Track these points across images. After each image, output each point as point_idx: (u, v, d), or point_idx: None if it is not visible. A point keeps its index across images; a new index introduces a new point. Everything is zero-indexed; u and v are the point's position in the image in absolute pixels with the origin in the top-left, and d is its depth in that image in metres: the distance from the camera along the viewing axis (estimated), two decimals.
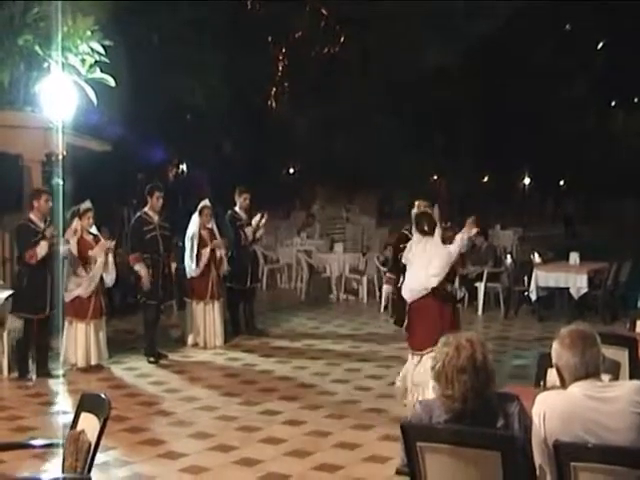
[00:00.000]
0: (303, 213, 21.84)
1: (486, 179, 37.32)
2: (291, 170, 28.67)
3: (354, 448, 6.90)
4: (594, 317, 12.79)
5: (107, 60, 11.03)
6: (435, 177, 34.23)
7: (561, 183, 38.51)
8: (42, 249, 8.99)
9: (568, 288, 12.72)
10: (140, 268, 10.25)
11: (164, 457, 6.71)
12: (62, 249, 9.46)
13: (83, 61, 10.86)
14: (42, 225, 9.16)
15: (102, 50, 10.96)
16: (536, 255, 13.99)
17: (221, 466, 6.48)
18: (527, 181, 39.16)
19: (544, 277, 12.87)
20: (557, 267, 13.38)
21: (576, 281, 12.61)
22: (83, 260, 9.61)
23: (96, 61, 10.96)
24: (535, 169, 35.76)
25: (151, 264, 10.31)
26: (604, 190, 35.38)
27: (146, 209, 10.58)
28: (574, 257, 13.33)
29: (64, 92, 10.58)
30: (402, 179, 27.46)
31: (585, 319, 12.77)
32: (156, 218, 10.53)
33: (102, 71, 10.98)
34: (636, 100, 37.94)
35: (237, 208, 11.93)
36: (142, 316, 10.68)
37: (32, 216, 9.21)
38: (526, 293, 13.32)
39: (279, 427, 7.52)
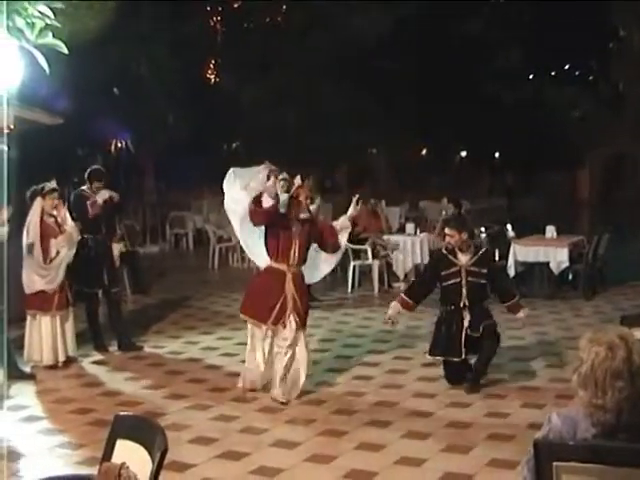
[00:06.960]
0: None
1: (424, 152, 36.92)
2: (234, 145, 27.62)
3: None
4: (573, 292, 12.50)
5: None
6: (374, 150, 33.52)
7: (496, 155, 38.34)
8: None
9: (548, 263, 12.25)
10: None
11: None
12: (25, 240, 8.49)
13: (32, 25, 9.79)
14: None
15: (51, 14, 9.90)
16: (509, 228, 13.46)
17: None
18: (464, 154, 38.85)
19: (523, 252, 12.34)
20: (536, 241, 12.76)
21: (556, 255, 12.13)
22: (44, 248, 8.49)
23: (47, 25, 9.90)
24: (471, 142, 35.44)
25: (94, 246, 9.26)
26: (539, 162, 35.43)
27: (84, 187, 9.38)
28: (551, 230, 12.81)
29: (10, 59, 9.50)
30: (342, 153, 26.94)
31: (565, 294, 12.42)
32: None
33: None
34: (567, 67, 38.13)
35: None
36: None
37: None
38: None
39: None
